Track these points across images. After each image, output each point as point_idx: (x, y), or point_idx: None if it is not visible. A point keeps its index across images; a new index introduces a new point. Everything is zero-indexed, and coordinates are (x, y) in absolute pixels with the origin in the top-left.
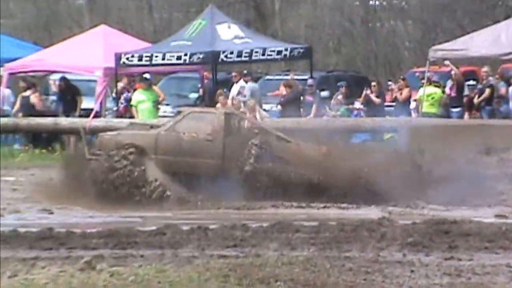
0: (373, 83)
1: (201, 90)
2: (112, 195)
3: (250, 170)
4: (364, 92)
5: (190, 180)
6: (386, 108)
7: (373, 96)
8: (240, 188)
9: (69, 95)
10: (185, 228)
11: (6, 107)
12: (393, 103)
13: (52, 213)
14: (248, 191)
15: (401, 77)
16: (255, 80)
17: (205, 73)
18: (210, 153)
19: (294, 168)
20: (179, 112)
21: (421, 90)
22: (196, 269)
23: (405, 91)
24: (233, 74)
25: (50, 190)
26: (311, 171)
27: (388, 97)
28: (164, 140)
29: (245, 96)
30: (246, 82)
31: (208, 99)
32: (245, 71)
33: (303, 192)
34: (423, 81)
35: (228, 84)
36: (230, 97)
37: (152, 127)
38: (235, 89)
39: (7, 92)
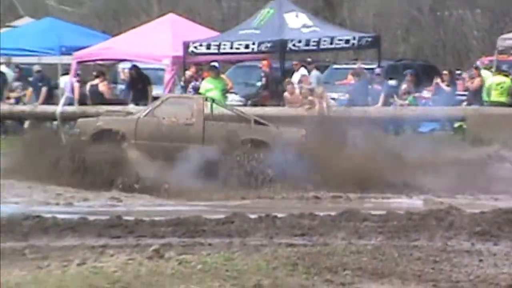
0: (444, 72)
1: (264, 79)
2: (88, 181)
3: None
4: (434, 81)
5: (170, 164)
6: (458, 97)
7: (443, 85)
8: (223, 172)
9: (140, 83)
10: (252, 216)
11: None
12: (465, 92)
13: (120, 201)
14: (229, 175)
15: (474, 66)
16: (320, 68)
17: (266, 62)
18: (190, 137)
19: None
20: (156, 98)
21: (490, 79)
22: (264, 257)
23: (477, 80)
24: (294, 62)
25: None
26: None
27: (459, 86)
28: (144, 125)
29: (310, 83)
30: (309, 71)
31: (274, 88)
32: (309, 59)
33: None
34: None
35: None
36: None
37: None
38: (296, 77)
39: (75, 80)
